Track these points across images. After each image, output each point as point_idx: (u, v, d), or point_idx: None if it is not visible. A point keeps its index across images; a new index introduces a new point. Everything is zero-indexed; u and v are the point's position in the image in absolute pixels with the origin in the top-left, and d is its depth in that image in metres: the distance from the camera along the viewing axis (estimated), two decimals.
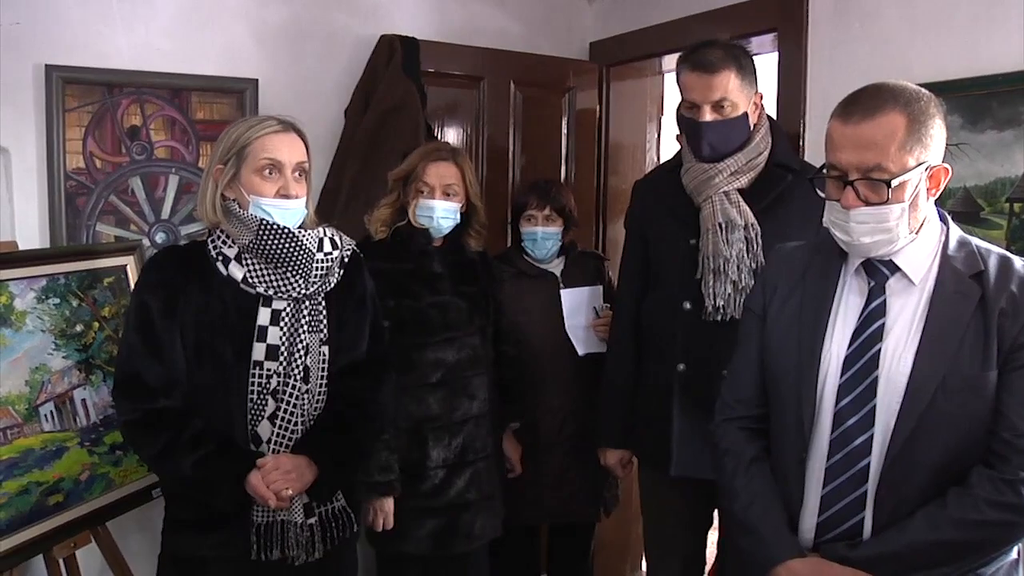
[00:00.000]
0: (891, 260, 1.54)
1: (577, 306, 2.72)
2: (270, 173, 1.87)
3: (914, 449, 1.47)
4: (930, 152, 1.48)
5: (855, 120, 1.47)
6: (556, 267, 2.77)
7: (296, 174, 1.90)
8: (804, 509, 1.60)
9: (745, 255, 2.15)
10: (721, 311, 2.16)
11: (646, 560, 2.59)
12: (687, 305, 2.23)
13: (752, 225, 2.16)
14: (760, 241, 2.15)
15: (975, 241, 1.57)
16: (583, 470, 2.63)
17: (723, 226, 2.15)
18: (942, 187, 1.53)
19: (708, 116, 2.15)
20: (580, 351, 2.68)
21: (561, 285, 2.74)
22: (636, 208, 2.48)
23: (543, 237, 2.70)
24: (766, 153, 2.22)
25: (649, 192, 2.45)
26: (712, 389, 2.18)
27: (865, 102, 1.48)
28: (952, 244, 1.55)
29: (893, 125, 1.45)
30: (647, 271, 2.39)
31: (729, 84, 2.13)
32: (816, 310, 1.61)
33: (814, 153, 2.39)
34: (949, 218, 1.60)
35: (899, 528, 1.48)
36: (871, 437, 1.51)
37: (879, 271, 1.55)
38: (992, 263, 1.51)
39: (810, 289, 1.64)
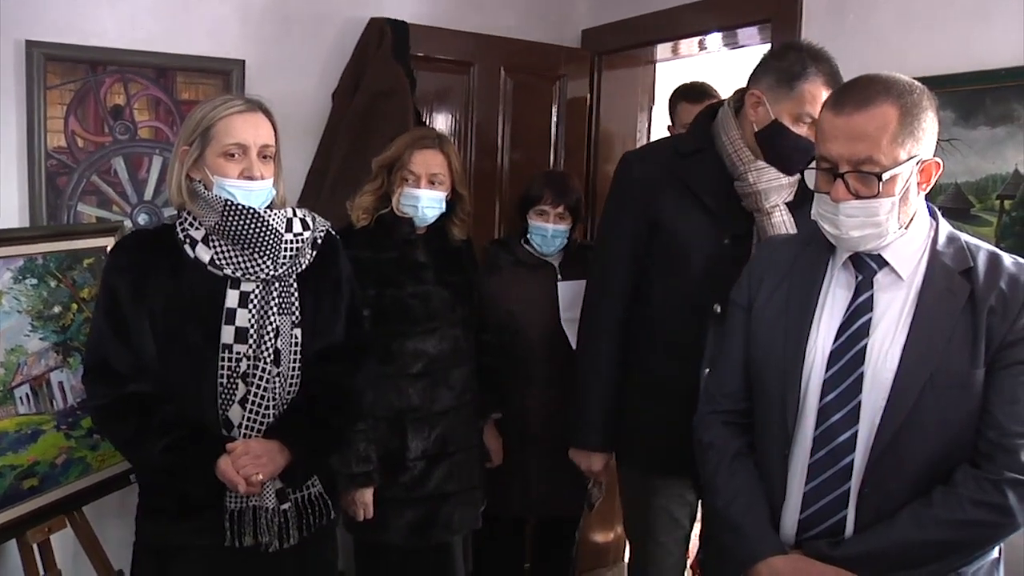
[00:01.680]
0: (879, 254, 1.52)
1: (574, 299, 2.64)
2: (233, 155, 1.84)
3: (899, 447, 1.46)
4: (922, 146, 1.46)
5: (847, 111, 1.45)
6: (555, 258, 2.73)
7: (262, 156, 1.87)
8: (786, 505, 1.58)
9: None
10: None
11: (631, 563, 2.49)
12: (717, 308, 2.04)
13: None
14: None
15: (964, 237, 1.55)
16: (571, 464, 2.60)
17: None
18: (933, 181, 1.51)
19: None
20: (575, 345, 2.63)
21: (559, 276, 2.71)
22: (639, 188, 2.20)
23: (553, 235, 2.66)
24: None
25: (661, 173, 2.17)
26: None
27: (857, 93, 1.46)
28: (941, 239, 1.53)
29: (885, 117, 1.43)
30: (647, 258, 2.19)
31: None
32: (802, 304, 1.59)
33: None
34: (939, 213, 1.58)
35: (883, 526, 1.47)
36: (855, 434, 1.49)
37: (867, 265, 1.54)
38: (981, 259, 1.50)
39: (797, 282, 1.62)
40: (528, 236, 2.70)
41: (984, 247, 1.54)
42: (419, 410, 2.35)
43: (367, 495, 2.27)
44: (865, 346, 1.50)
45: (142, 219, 2.67)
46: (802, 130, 1.96)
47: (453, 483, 2.39)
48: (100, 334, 1.84)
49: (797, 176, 2.05)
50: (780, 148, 2.01)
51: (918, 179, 1.48)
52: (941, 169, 1.50)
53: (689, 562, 2.65)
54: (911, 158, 1.45)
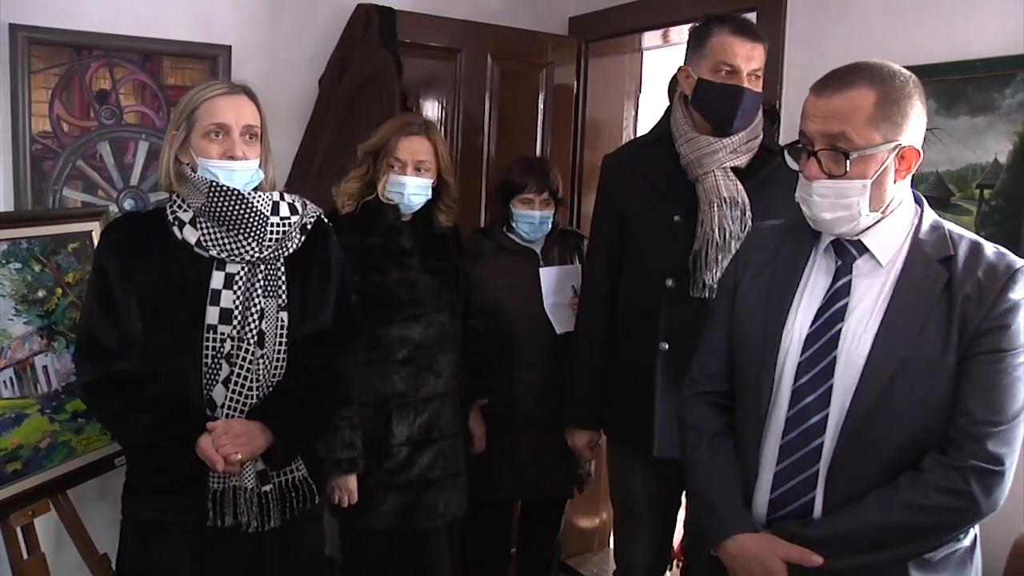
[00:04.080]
0: (860, 240, 1.53)
1: (556, 285, 2.72)
2: (216, 135, 1.86)
3: (868, 431, 1.47)
4: (902, 132, 1.46)
5: (827, 93, 1.48)
6: (537, 244, 2.76)
7: (246, 136, 1.89)
8: (758, 485, 1.60)
9: (740, 233, 2.12)
10: (715, 286, 2.10)
11: (614, 539, 2.58)
12: (670, 282, 2.18)
13: (746, 204, 2.12)
14: (751, 222, 2.13)
15: (948, 225, 1.55)
16: (559, 447, 2.62)
17: (727, 201, 2.11)
18: (913, 170, 1.51)
19: (746, 84, 2.09)
20: (558, 330, 2.68)
21: (541, 263, 2.73)
22: (610, 183, 2.41)
23: (541, 221, 2.69)
24: (761, 136, 2.19)
25: (626, 166, 2.37)
26: None
27: (840, 77, 1.48)
28: (924, 227, 1.53)
29: (862, 99, 1.44)
30: (621, 247, 2.34)
31: (763, 57, 2.12)
32: (783, 287, 1.60)
33: (789, 135, 2.37)
34: (925, 201, 1.58)
35: (850, 509, 1.48)
36: (827, 416, 1.51)
37: (847, 251, 1.54)
38: (962, 248, 1.50)
39: (780, 267, 1.63)
40: (513, 224, 2.71)
41: (967, 236, 1.53)
42: (404, 396, 2.36)
43: (351, 481, 2.28)
44: (840, 330, 1.51)
45: (128, 204, 2.66)
46: (721, 78, 2.10)
47: (438, 469, 2.40)
48: (90, 312, 1.88)
49: (738, 141, 2.14)
50: (709, 101, 2.14)
51: (896, 166, 1.48)
52: (921, 158, 1.50)
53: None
54: (887, 143, 1.45)
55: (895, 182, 1.50)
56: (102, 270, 1.87)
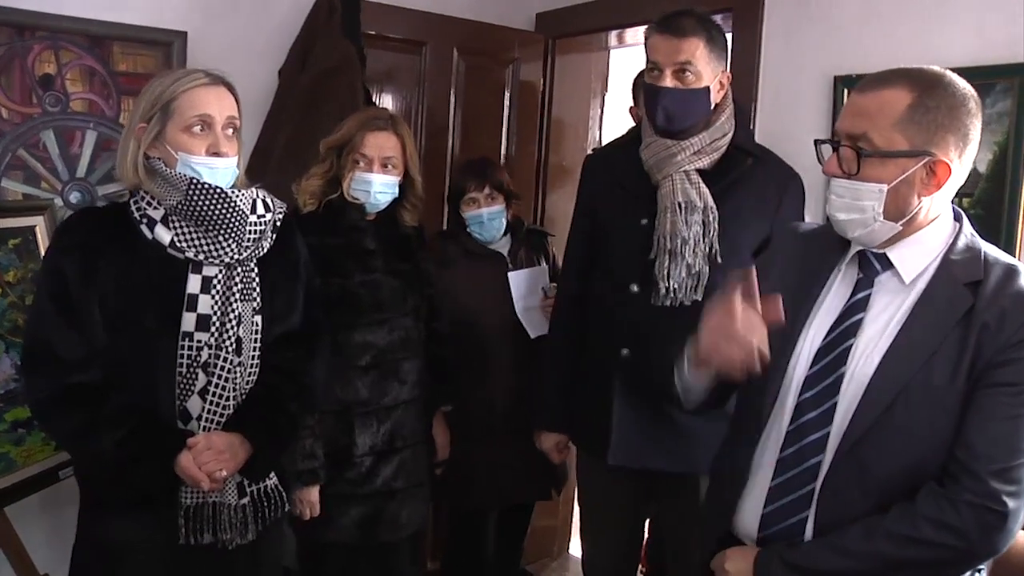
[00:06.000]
0: (885, 254, 1.45)
1: (526, 288, 2.66)
2: (201, 130, 1.74)
3: (862, 455, 1.40)
4: (936, 144, 1.37)
5: (863, 89, 1.42)
6: (503, 246, 2.70)
7: (228, 130, 1.78)
8: (748, 497, 1.54)
9: (701, 239, 2.09)
10: (672, 295, 2.10)
11: (581, 545, 2.55)
12: (634, 288, 2.15)
13: (711, 208, 2.09)
14: (717, 226, 2.09)
15: (986, 248, 1.44)
16: (535, 450, 2.54)
17: (682, 206, 2.08)
18: (943, 187, 1.40)
19: (669, 82, 2.07)
20: (532, 334, 2.62)
21: (509, 266, 2.67)
22: (587, 183, 2.38)
23: (489, 218, 2.63)
24: (730, 135, 2.15)
25: (601, 167, 2.35)
26: (656, 376, 2.12)
27: (879, 76, 1.42)
28: (959, 246, 1.43)
29: (894, 99, 1.37)
30: (593, 249, 2.31)
31: (696, 52, 2.06)
32: (802, 296, 1.53)
33: (765, 138, 2.35)
34: (965, 220, 1.47)
35: (837, 534, 1.41)
36: (827, 435, 1.44)
37: (871, 264, 1.47)
38: (995, 273, 1.39)
39: (805, 273, 1.56)
40: (468, 229, 2.66)
41: (1004, 261, 1.43)
42: (368, 404, 2.27)
43: (312, 493, 2.19)
44: (850, 347, 1.44)
45: (74, 197, 2.52)
46: (651, 78, 2.11)
47: (401, 480, 2.33)
48: (43, 319, 1.72)
49: (700, 142, 2.12)
50: (644, 102, 2.18)
51: (924, 178, 1.39)
52: (952, 174, 1.39)
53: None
54: (915, 151, 1.37)
55: (921, 195, 1.40)
56: (58, 272, 1.71)
